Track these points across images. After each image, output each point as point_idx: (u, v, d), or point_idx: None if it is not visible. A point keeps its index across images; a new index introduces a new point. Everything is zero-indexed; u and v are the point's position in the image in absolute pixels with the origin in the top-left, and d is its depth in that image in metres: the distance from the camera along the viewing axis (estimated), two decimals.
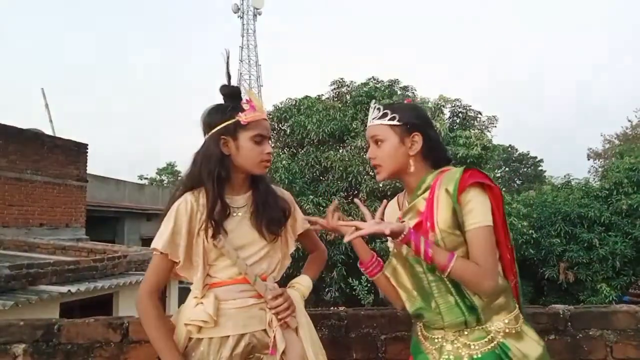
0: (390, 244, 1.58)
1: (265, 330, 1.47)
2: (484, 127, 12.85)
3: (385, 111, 1.47)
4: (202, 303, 1.45)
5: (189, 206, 1.46)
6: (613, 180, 12.15)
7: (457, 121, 12.89)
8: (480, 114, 12.88)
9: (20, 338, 1.93)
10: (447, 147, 11.15)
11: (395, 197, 1.63)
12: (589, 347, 1.93)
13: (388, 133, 1.45)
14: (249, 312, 1.46)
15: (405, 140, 1.45)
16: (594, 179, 17.68)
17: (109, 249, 9.09)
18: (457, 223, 1.34)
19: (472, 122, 12.76)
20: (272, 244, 1.54)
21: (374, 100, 1.55)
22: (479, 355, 1.34)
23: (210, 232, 1.43)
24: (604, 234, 11.22)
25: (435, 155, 1.50)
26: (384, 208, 1.57)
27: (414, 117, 1.47)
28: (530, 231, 11.14)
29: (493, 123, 13.16)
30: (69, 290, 5.89)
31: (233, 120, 1.45)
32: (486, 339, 1.36)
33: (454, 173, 1.38)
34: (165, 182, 36.57)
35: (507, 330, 1.36)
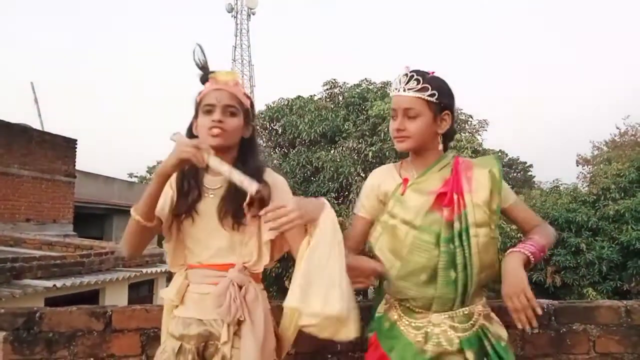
0: (388, 217, 1.50)
1: (223, 321, 1.42)
2: (474, 130, 12.93)
3: (425, 85, 1.42)
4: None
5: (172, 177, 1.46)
6: (601, 186, 12.26)
7: None
8: (472, 117, 12.98)
9: (1, 326, 1.90)
10: None
11: (390, 165, 1.62)
12: (572, 341, 1.94)
13: (424, 109, 1.43)
14: (206, 299, 1.44)
15: (437, 118, 1.46)
16: (582, 184, 17.83)
17: (96, 245, 9.01)
18: (490, 202, 1.42)
19: (463, 125, 12.83)
20: (239, 233, 1.46)
21: (408, 67, 1.48)
22: (466, 337, 1.40)
23: (182, 210, 1.47)
24: (591, 239, 11.31)
25: (450, 136, 1.55)
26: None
27: (448, 95, 1.48)
28: (519, 235, 11.19)
29: (484, 127, 13.26)
30: (54, 285, 5.84)
31: (196, 102, 1.49)
32: (470, 322, 1.42)
33: (493, 159, 1.51)
34: None
35: (484, 313, 1.45)
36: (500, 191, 1.44)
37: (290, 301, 1.30)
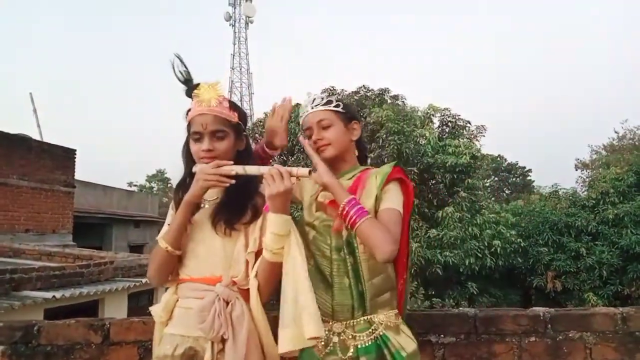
0: (302, 222, 1.61)
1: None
2: (472, 136, 12.90)
3: (330, 99, 1.60)
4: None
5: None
6: (600, 190, 12.26)
7: (447, 130, 12.94)
8: (470, 123, 12.96)
9: None
10: (435, 156, 11.06)
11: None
12: (568, 349, 1.95)
13: (334, 118, 1.58)
14: (191, 315, 1.41)
15: (347, 126, 1.61)
16: (581, 188, 17.85)
17: (96, 255, 8.99)
18: (376, 210, 1.47)
19: (461, 131, 12.81)
20: (230, 241, 1.45)
21: (308, 92, 1.63)
22: (364, 346, 1.44)
23: None
24: (591, 243, 11.30)
25: (363, 148, 1.68)
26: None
27: (352, 107, 1.66)
28: (519, 240, 11.18)
29: (482, 132, 13.20)
30: (54, 296, 5.82)
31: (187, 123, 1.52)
32: (369, 330, 1.46)
33: (385, 167, 1.54)
34: (155, 189, 36.30)
35: (388, 324, 1.47)
36: (379, 193, 1.48)
37: (313, 332, 1.31)
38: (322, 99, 1.59)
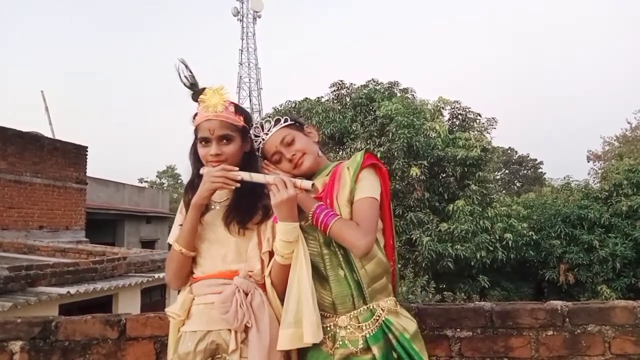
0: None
1: (230, 331, 1.44)
2: (483, 129, 12.81)
3: (277, 118, 1.64)
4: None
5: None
6: (613, 182, 12.13)
7: (457, 123, 12.88)
8: (480, 115, 12.86)
9: (17, 335, 1.93)
10: (446, 149, 11.01)
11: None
12: (587, 342, 1.92)
13: (291, 131, 1.62)
14: (212, 309, 1.45)
15: (304, 133, 1.69)
16: (594, 180, 17.64)
17: (109, 251, 9.09)
18: (352, 199, 1.51)
19: (472, 124, 12.72)
20: (244, 240, 1.51)
21: (253, 125, 1.65)
22: (371, 334, 1.47)
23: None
24: (604, 236, 11.20)
25: (321, 147, 1.71)
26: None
27: (297, 116, 1.65)
28: (530, 233, 11.12)
29: (492, 125, 13.10)
30: (68, 292, 5.89)
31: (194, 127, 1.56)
32: (373, 318, 1.48)
33: (356, 156, 1.56)
34: (165, 185, 36.52)
35: (389, 309, 1.51)
36: (352, 185, 1.51)
37: (312, 339, 1.40)
38: (269, 123, 1.63)
